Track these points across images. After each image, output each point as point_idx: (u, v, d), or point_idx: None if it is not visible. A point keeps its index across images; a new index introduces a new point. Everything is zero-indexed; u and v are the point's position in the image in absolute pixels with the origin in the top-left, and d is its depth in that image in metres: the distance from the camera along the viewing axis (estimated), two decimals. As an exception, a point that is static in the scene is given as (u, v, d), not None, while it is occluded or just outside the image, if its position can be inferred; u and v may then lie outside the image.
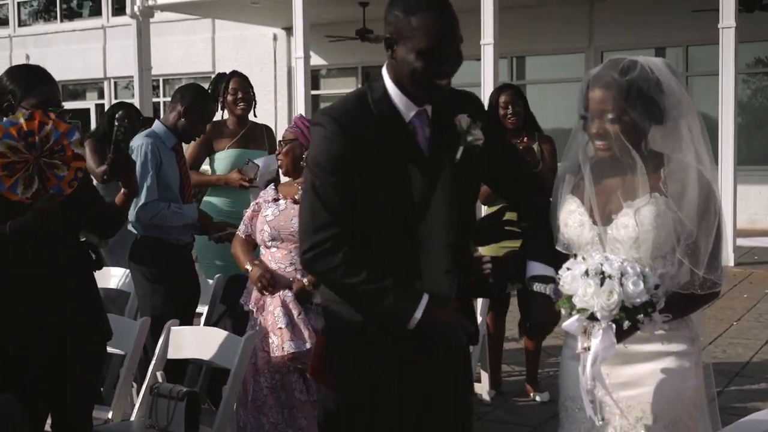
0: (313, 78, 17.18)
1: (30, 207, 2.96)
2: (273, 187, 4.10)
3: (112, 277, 5.09)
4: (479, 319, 4.67)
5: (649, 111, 2.59)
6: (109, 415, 3.84)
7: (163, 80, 19.76)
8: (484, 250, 3.82)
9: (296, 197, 3.84)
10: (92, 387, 3.44)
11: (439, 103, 2.64)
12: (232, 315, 4.85)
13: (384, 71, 2.64)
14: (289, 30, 16.41)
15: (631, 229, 2.56)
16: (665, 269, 2.59)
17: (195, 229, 4.80)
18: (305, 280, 3.77)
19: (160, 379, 3.79)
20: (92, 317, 3.34)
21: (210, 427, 3.60)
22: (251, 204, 4.15)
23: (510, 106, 5.55)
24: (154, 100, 18.81)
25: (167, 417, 3.55)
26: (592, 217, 2.64)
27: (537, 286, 2.65)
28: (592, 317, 2.41)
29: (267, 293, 3.84)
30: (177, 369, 4.28)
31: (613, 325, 2.41)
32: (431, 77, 2.53)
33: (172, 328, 3.89)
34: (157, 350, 3.87)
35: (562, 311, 2.50)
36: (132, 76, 15.77)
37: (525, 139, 5.46)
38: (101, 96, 20.76)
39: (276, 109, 18.07)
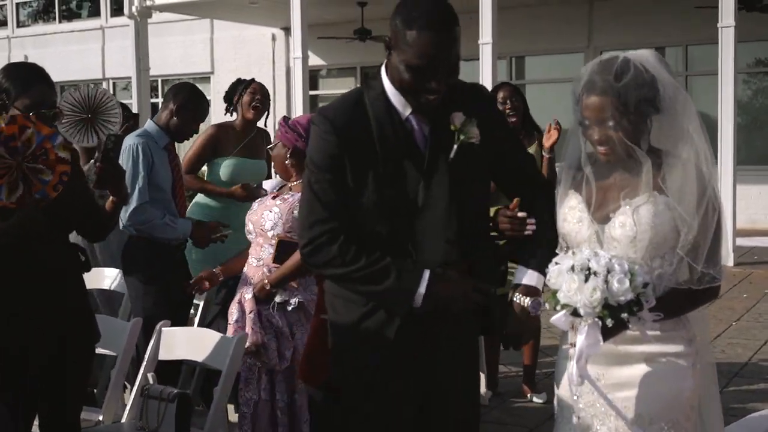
0: (312, 78, 17.16)
1: (15, 212, 2.94)
2: (276, 191, 4.11)
3: (106, 278, 5.04)
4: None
5: (647, 111, 2.56)
6: (100, 417, 3.81)
7: (162, 81, 19.73)
8: None
9: (284, 196, 3.88)
10: (84, 388, 3.43)
11: (425, 111, 2.63)
12: (226, 315, 4.82)
13: (382, 70, 2.67)
14: (287, 30, 16.38)
15: (628, 228, 2.54)
16: (663, 269, 2.56)
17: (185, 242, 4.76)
18: (265, 280, 3.76)
19: (150, 381, 3.75)
20: (88, 318, 3.34)
21: (202, 429, 3.57)
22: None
23: (508, 101, 5.55)
24: (153, 100, 18.78)
25: (158, 419, 3.51)
26: (591, 215, 2.62)
27: (518, 297, 2.63)
28: (576, 313, 2.39)
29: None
30: (172, 370, 4.25)
31: (599, 322, 2.39)
32: (417, 91, 2.56)
33: (163, 329, 3.85)
34: (148, 351, 3.83)
35: (547, 305, 2.48)
36: (130, 77, 15.74)
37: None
38: (100, 97, 20.72)
39: (274, 108, 17.98)
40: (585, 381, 2.51)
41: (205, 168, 5.68)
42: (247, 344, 3.69)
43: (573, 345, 2.48)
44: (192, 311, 4.91)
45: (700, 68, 14.56)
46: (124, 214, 4.41)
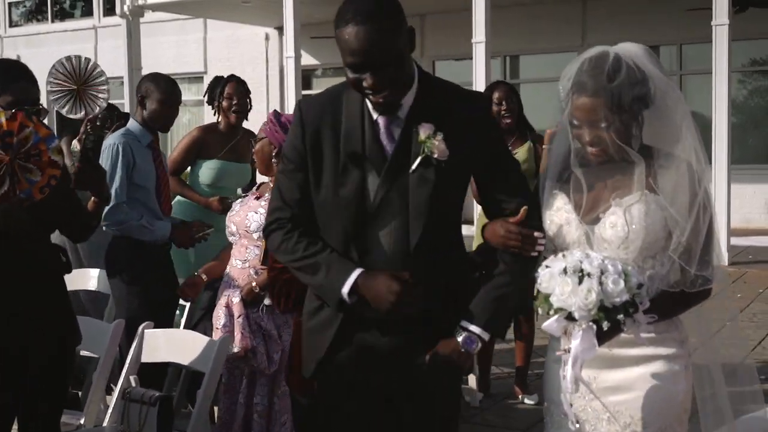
0: (306, 78, 17.11)
1: None
2: (255, 192, 4.04)
3: (91, 279, 4.98)
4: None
5: (639, 109, 2.51)
6: (82, 421, 3.75)
7: (155, 81, 19.66)
8: None
9: (268, 196, 3.79)
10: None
11: (386, 113, 2.55)
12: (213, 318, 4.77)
13: None
14: (280, 30, 16.33)
15: (619, 229, 2.48)
16: (655, 270, 2.51)
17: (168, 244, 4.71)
18: (253, 283, 3.70)
19: (133, 384, 3.69)
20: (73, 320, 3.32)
21: (185, 432, 3.52)
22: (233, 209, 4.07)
23: (504, 102, 5.51)
24: (146, 100, 18.73)
25: (139, 422, 3.45)
26: (579, 216, 2.55)
27: (458, 330, 2.54)
28: (570, 317, 2.32)
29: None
30: (157, 372, 4.19)
31: (594, 326, 2.32)
32: (361, 91, 2.50)
33: (146, 331, 3.79)
34: (130, 354, 3.77)
35: (540, 310, 2.40)
36: (123, 77, 15.68)
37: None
38: (93, 96, 20.66)
39: (268, 108, 17.97)
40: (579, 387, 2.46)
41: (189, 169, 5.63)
42: (237, 349, 3.64)
43: (566, 351, 2.40)
44: (178, 313, 4.86)
45: (695, 67, 14.53)
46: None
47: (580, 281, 2.29)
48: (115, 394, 3.78)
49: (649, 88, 2.51)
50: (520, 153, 5.41)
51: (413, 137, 2.53)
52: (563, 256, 2.39)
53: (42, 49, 20.32)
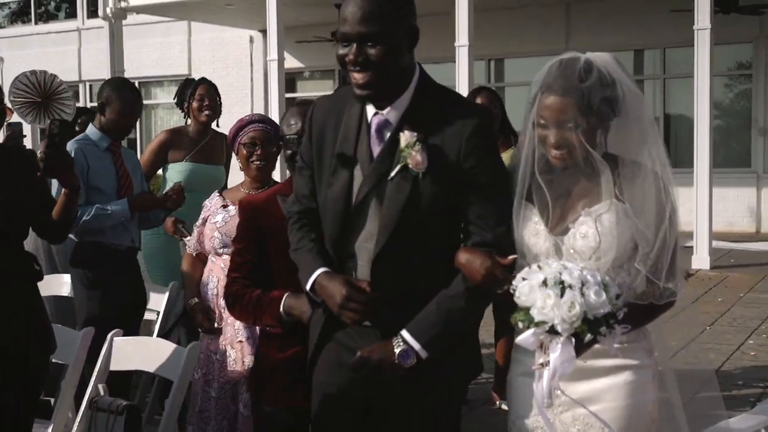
0: (291, 80, 17.08)
1: None
2: (218, 194, 3.98)
3: (64, 285, 4.93)
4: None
5: (607, 114, 2.47)
6: (50, 430, 3.69)
7: (139, 83, 19.52)
8: None
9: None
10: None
11: (362, 99, 2.51)
12: (187, 323, 4.73)
13: None
14: (265, 32, 16.29)
15: (590, 239, 2.43)
16: (622, 279, 2.46)
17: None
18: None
19: (101, 392, 3.64)
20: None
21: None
22: (200, 219, 4.01)
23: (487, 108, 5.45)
24: (130, 103, 18.64)
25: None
26: (548, 226, 2.51)
27: (397, 340, 2.48)
28: (552, 330, 2.25)
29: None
30: (122, 380, 4.15)
31: (572, 339, 2.27)
32: (344, 66, 2.47)
33: (115, 338, 3.74)
34: (99, 362, 3.73)
35: (519, 325, 2.33)
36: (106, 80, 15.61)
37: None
38: (77, 99, 20.56)
39: (252, 110, 17.93)
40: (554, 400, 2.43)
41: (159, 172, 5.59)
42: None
43: (543, 365, 2.33)
44: (153, 319, 4.83)
45: (678, 71, 14.56)
46: None
47: (562, 293, 2.23)
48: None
49: (618, 94, 2.48)
50: (504, 158, 5.33)
51: (399, 144, 2.48)
52: (539, 267, 2.32)
53: (26, 51, 20.26)
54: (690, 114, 11.23)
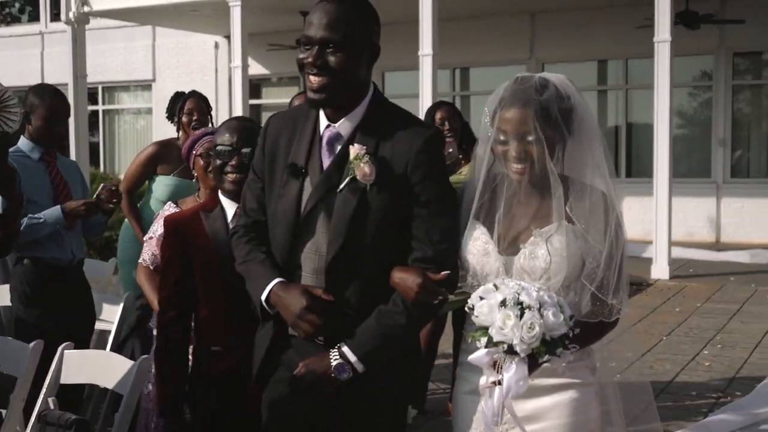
0: (255, 87, 17.05)
1: None
2: (174, 206, 3.97)
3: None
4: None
5: (562, 130, 2.50)
6: (-2, 444, 3.65)
7: (103, 88, 19.43)
8: None
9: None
10: None
11: (314, 106, 2.55)
12: (141, 335, 4.71)
13: None
14: (230, 38, 16.25)
15: (541, 260, 2.46)
16: (570, 299, 2.48)
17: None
18: None
19: (51, 406, 3.61)
20: None
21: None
22: (155, 230, 3.99)
23: (446, 122, 5.49)
24: (92, 108, 18.50)
25: (54, 446, 3.38)
26: (498, 246, 2.52)
27: (334, 353, 2.49)
28: (510, 350, 2.28)
29: None
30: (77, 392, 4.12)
31: (527, 358, 2.30)
32: (302, 68, 2.50)
33: (65, 351, 3.71)
34: (49, 375, 3.69)
35: (477, 344, 2.35)
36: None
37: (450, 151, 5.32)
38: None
39: (217, 117, 17.86)
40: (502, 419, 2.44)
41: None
42: None
43: (495, 383, 2.35)
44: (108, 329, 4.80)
45: (640, 81, 14.71)
46: None
47: (522, 314, 2.25)
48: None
49: (573, 107, 2.52)
50: (466, 171, 5.34)
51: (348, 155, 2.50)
52: (495, 287, 2.34)
53: (-12, 53, 20.03)
54: (652, 124, 11.35)
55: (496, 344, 2.28)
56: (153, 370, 3.53)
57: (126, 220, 5.48)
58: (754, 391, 5.88)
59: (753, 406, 5.54)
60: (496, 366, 2.34)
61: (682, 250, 12.44)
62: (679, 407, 5.73)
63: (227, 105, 17.50)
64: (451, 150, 5.09)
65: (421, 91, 12.03)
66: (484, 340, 2.31)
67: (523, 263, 2.48)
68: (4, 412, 4.48)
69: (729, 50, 14.36)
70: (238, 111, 13.53)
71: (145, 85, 18.98)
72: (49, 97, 4.50)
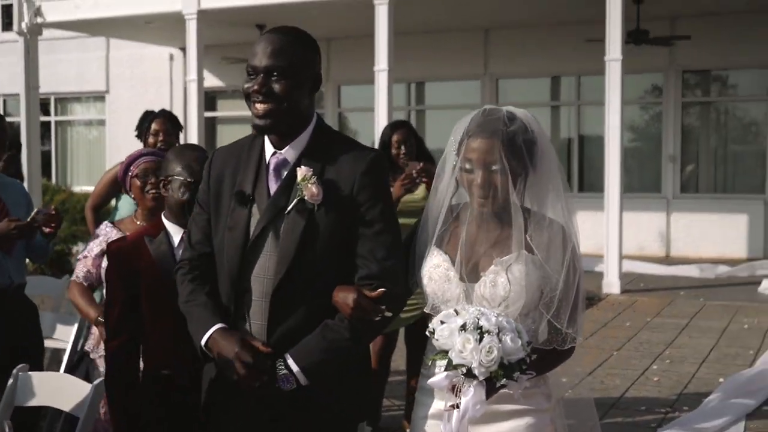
0: (210, 99, 17.00)
1: None
2: (110, 225, 3.97)
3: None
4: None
5: (525, 162, 2.57)
6: (-51, 468, 3.62)
7: (55, 99, 19.21)
8: None
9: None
10: None
11: (261, 132, 2.62)
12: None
13: None
14: (185, 50, 16.19)
15: (500, 288, 2.52)
16: (527, 326, 2.55)
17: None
18: None
19: (6, 429, 3.59)
20: None
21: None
22: (91, 248, 3.97)
23: (402, 146, 5.53)
24: (44, 119, 18.31)
25: (8, 470, 3.36)
26: (459, 273, 2.59)
27: (279, 363, 2.55)
28: (469, 374, 2.35)
29: None
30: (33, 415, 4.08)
31: (485, 382, 2.37)
32: (248, 100, 2.59)
33: (20, 373, 3.70)
34: (3, 397, 3.67)
35: (436, 368, 2.43)
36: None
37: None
38: (-10, 113, 20.08)
39: (172, 129, 17.77)
40: None
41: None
42: None
43: (453, 407, 2.42)
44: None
45: (592, 98, 14.94)
46: None
47: (481, 338, 2.33)
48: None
49: (537, 141, 2.59)
50: (420, 191, 5.37)
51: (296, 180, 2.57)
52: (456, 312, 2.42)
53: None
54: (603, 139, 11.54)
55: (456, 367, 2.36)
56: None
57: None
58: (701, 405, 6.00)
59: (700, 421, 5.67)
60: (454, 390, 2.42)
61: (632, 264, 12.67)
62: (629, 423, 5.84)
63: (182, 118, 17.40)
64: (413, 172, 5.08)
65: (377, 105, 12.11)
66: (444, 362, 2.38)
67: (484, 291, 2.55)
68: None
69: (678, 68, 14.65)
70: (194, 124, 13.52)
71: (99, 97, 18.82)
72: None
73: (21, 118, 14.56)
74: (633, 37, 12.71)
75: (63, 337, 4.89)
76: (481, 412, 2.41)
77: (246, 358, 2.49)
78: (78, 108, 19.43)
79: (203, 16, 13.47)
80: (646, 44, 12.91)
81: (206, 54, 14.06)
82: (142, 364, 3.14)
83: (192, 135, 13.50)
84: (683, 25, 14.01)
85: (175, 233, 3.15)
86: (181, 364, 2.99)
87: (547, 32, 14.82)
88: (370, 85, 12.49)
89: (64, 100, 19.29)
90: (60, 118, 19.40)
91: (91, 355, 4.13)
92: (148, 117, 5.58)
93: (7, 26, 18.95)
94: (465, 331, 2.35)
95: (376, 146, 6.15)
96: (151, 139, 5.47)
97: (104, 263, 3.83)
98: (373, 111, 12.12)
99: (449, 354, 2.37)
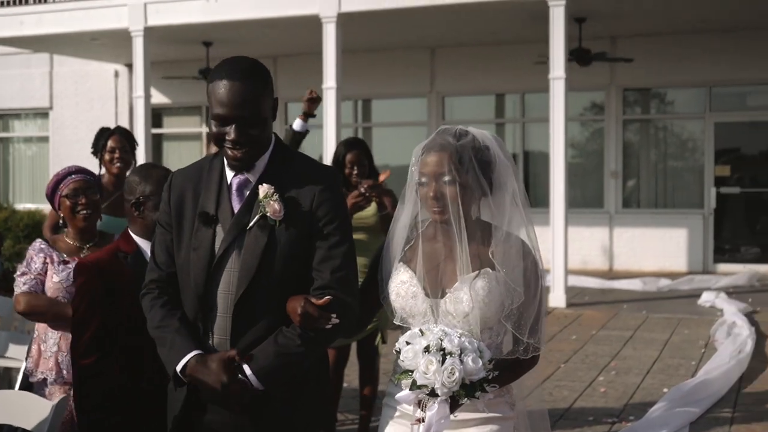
0: (157, 116, 16.90)
1: None
2: (44, 243, 3.97)
3: None
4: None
5: (479, 178, 2.67)
6: None
7: (-3, 115, 18.95)
8: None
9: (82, 256, 3.83)
10: None
11: (239, 169, 2.69)
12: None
13: None
14: (131, 67, 16.09)
15: (465, 304, 2.62)
16: (491, 339, 2.67)
17: None
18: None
19: (-36, 448, 3.58)
20: None
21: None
22: (32, 264, 3.94)
23: (356, 167, 5.56)
24: (-13, 135, 18.03)
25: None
26: (424, 289, 2.69)
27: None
28: (432, 393, 2.46)
29: None
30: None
31: (449, 399, 2.48)
32: (221, 144, 2.66)
33: (-22, 392, 3.69)
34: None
35: (402, 385, 2.52)
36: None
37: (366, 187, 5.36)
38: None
39: (117, 146, 17.60)
40: None
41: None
42: None
43: (419, 421, 2.53)
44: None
45: (536, 115, 15.22)
46: None
47: (443, 360, 2.44)
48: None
49: (492, 159, 2.70)
50: (371, 208, 5.43)
51: (257, 198, 2.67)
52: (421, 332, 2.52)
53: None
54: (548, 156, 11.75)
55: (420, 387, 2.47)
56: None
57: None
58: (646, 415, 6.16)
59: (646, 430, 5.83)
60: (420, 404, 2.54)
61: (577, 279, 12.90)
62: (578, 433, 5.98)
63: (128, 134, 17.27)
64: (365, 189, 5.15)
65: (325, 122, 12.20)
66: (408, 382, 2.49)
67: (448, 306, 2.65)
68: None
69: (619, 86, 14.99)
70: (140, 140, 13.40)
71: (42, 113, 18.59)
72: None
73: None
74: (576, 56, 13.00)
75: (16, 355, 4.85)
76: (446, 427, 2.52)
77: (235, 390, 2.59)
78: (21, 125, 19.17)
79: (150, 32, 13.44)
80: (588, 62, 13.20)
81: (152, 71, 14.02)
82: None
83: (139, 152, 13.38)
84: (623, 45, 14.37)
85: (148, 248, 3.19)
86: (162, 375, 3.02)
87: (491, 51, 15.08)
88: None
89: (6, 117, 19.01)
90: (2, 134, 19.11)
91: (30, 379, 4.04)
92: (104, 134, 5.56)
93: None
94: (428, 352, 2.46)
95: (326, 163, 6.20)
96: (107, 156, 5.47)
97: (49, 285, 3.82)
98: (321, 128, 12.21)
99: (414, 375, 2.48)
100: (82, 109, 17.90)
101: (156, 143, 16.83)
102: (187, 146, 17.42)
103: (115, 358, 3.14)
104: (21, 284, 3.91)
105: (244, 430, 2.69)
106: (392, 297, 2.73)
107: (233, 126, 2.62)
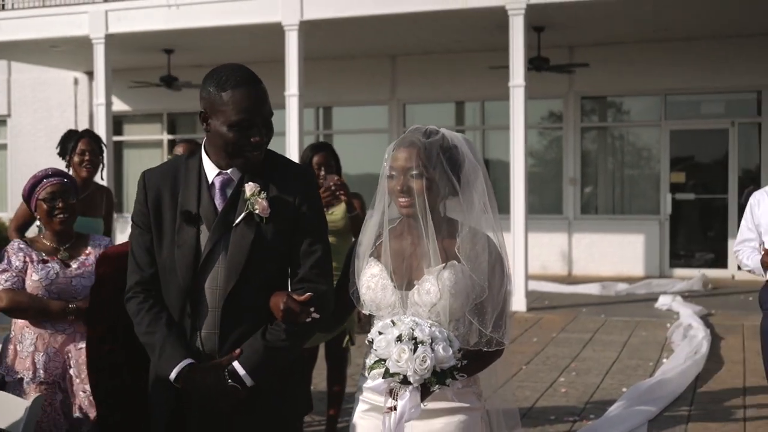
0: (117, 123, 16.82)
1: None
2: (23, 243, 3.99)
3: None
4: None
5: (448, 175, 2.77)
6: None
7: (-46, 122, 18.72)
8: None
9: (60, 257, 3.90)
10: None
11: (252, 170, 2.79)
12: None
13: (204, 142, 2.87)
14: (90, 74, 16.00)
15: (432, 295, 2.72)
16: (458, 331, 2.76)
17: None
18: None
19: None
20: None
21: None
22: (11, 262, 3.96)
23: (322, 168, 5.62)
24: (-57, 143, 17.82)
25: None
26: (393, 282, 2.78)
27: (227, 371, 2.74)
28: (405, 380, 2.56)
29: None
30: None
31: (420, 387, 2.58)
32: (243, 148, 2.73)
33: (-48, 392, 3.70)
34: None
35: (375, 374, 2.61)
36: None
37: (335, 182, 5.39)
38: None
39: (77, 154, 17.46)
40: None
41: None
42: None
43: (392, 409, 2.62)
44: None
45: (496, 122, 15.41)
46: None
47: (415, 348, 2.54)
48: None
49: (460, 159, 2.80)
50: (339, 211, 5.49)
51: (241, 196, 2.77)
52: (393, 323, 2.62)
53: None
54: (508, 163, 11.91)
55: (393, 375, 2.57)
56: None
57: None
58: (606, 413, 6.30)
59: (606, 428, 5.96)
60: (392, 393, 2.64)
61: (537, 284, 13.08)
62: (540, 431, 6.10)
63: (88, 142, 17.16)
64: (331, 184, 5.21)
65: (288, 129, 12.27)
66: (381, 370, 2.59)
67: (417, 298, 2.75)
68: None
69: (577, 94, 15.22)
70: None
71: (0, 121, 18.41)
72: None
73: None
74: (534, 64, 13.20)
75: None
76: (417, 414, 2.62)
77: (227, 397, 2.70)
78: (-22, 132, 18.97)
79: (111, 40, 13.41)
80: (546, 71, 13.41)
81: (113, 78, 13.98)
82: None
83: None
84: (581, 54, 14.60)
85: None
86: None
87: (451, 59, 15.25)
88: (281, 110, 12.62)
89: (-37, 125, 18.81)
90: (-40, 142, 18.91)
91: (6, 378, 4.01)
92: (71, 136, 5.59)
93: None
94: (401, 341, 2.56)
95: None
96: (76, 158, 5.50)
97: (29, 283, 3.86)
98: (284, 135, 12.27)
99: (387, 363, 2.57)
100: (41, 117, 17.77)
101: (117, 151, 16.76)
102: (148, 153, 17.34)
103: (121, 354, 3.22)
104: (3, 281, 3.93)
105: (239, 421, 2.79)
106: (363, 290, 2.82)
107: (258, 128, 2.73)
